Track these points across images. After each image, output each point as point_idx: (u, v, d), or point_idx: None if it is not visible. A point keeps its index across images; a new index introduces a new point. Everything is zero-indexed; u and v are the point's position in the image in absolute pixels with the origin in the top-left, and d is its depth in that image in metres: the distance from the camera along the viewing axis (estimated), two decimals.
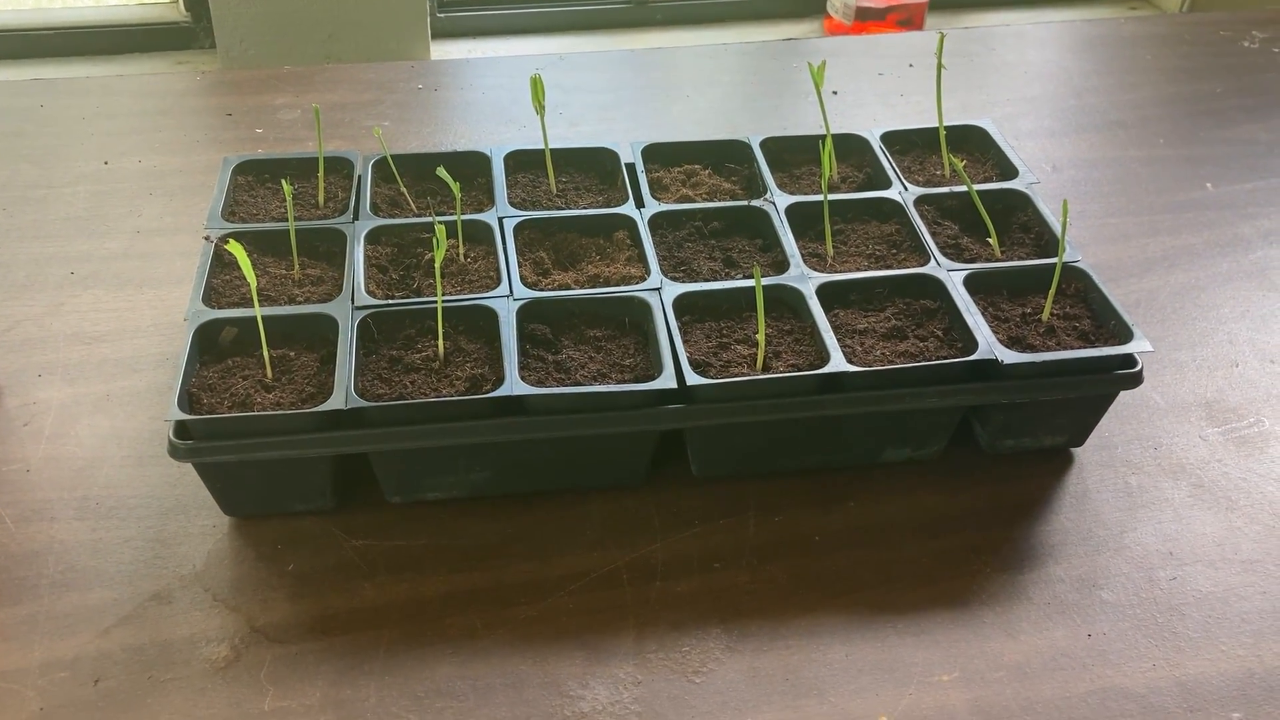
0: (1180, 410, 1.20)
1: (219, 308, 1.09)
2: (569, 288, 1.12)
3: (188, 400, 1.00)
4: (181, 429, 0.98)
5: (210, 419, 0.97)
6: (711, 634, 0.97)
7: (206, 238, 1.15)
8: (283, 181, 1.11)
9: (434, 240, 1.02)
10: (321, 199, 1.24)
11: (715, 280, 1.15)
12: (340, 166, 1.29)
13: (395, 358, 1.06)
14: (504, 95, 1.73)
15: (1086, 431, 1.13)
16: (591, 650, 0.96)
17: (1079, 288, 1.14)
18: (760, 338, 1.04)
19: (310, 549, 1.03)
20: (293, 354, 1.05)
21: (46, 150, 1.56)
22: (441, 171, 1.11)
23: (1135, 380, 1.06)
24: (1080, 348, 1.07)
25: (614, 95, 1.72)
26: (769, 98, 1.74)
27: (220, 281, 1.13)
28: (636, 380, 1.04)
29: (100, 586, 1.00)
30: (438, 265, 1.04)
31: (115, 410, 1.16)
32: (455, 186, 1.12)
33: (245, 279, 1.13)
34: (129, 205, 1.45)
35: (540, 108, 1.22)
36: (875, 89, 1.74)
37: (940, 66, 1.26)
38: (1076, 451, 1.14)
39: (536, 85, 1.21)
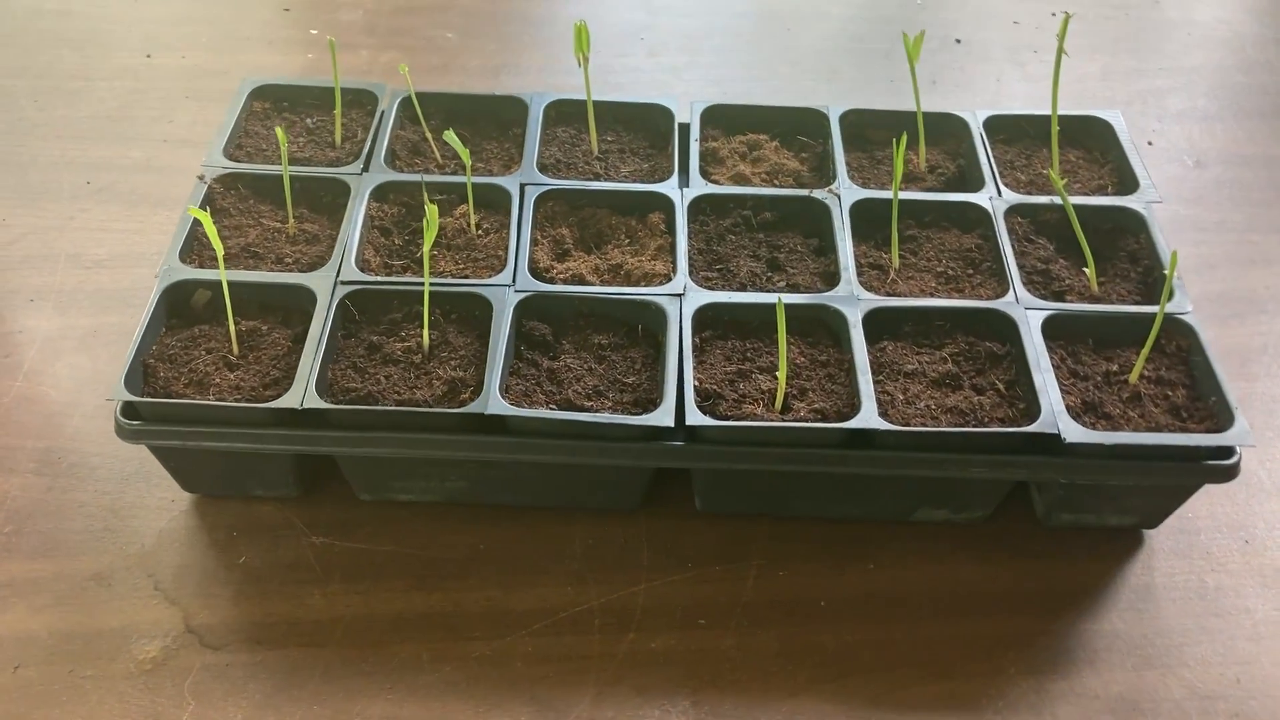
0: None
1: (201, 264, 0.99)
2: (583, 280, 0.99)
3: (142, 373, 0.91)
4: (130, 406, 0.89)
5: (156, 403, 0.88)
6: (679, 706, 0.86)
7: (201, 177, 1.05)
8: (277, 130, 0.99)
9: (425, 221, 0.90)
10: (339, 138, 1.12)
11: (754, 285, 1.00)
12: (366, 100, 1.16)
13: (375, 344, 0.95)
14: (587, 11, 1.56)
15: (1162, 515, 0.96)
16: (540, 707, 0.86)
17: (1182, 346, 0.95)
18: (781, 376, 0.90)
19: (267, 541, 0.95)
20: (265, 327, 0.95)
21: (91, 35, 1.47)
22: (451, 136, 0.97)
23: (1227, 475, 0.89)
24: (1167, 427, 0.90)
25: (705, 21, 1.54)
26: (881, 40, 1.53)
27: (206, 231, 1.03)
28: (636, 403, 0.91)
29: (43, 556, 0.93)
30: (426, 249, 0.91)
31: (99, 349, 1.09)
32: (465, 154, 0.98)
33: (239, 225, 1.04)
34: (162, 108, 1.36)
35: (584, 59, 1.07)
36: (1007, 40, 1.52)
37: (1061, 51, 1.05)
38: (1149, 533, 0.98)
39: (581, 34, 1.05)
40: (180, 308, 0.97)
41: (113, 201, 1.24)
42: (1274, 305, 1.18)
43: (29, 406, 1.04)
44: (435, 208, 0.90)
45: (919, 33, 1.06)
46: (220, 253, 0.91)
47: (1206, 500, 0.99)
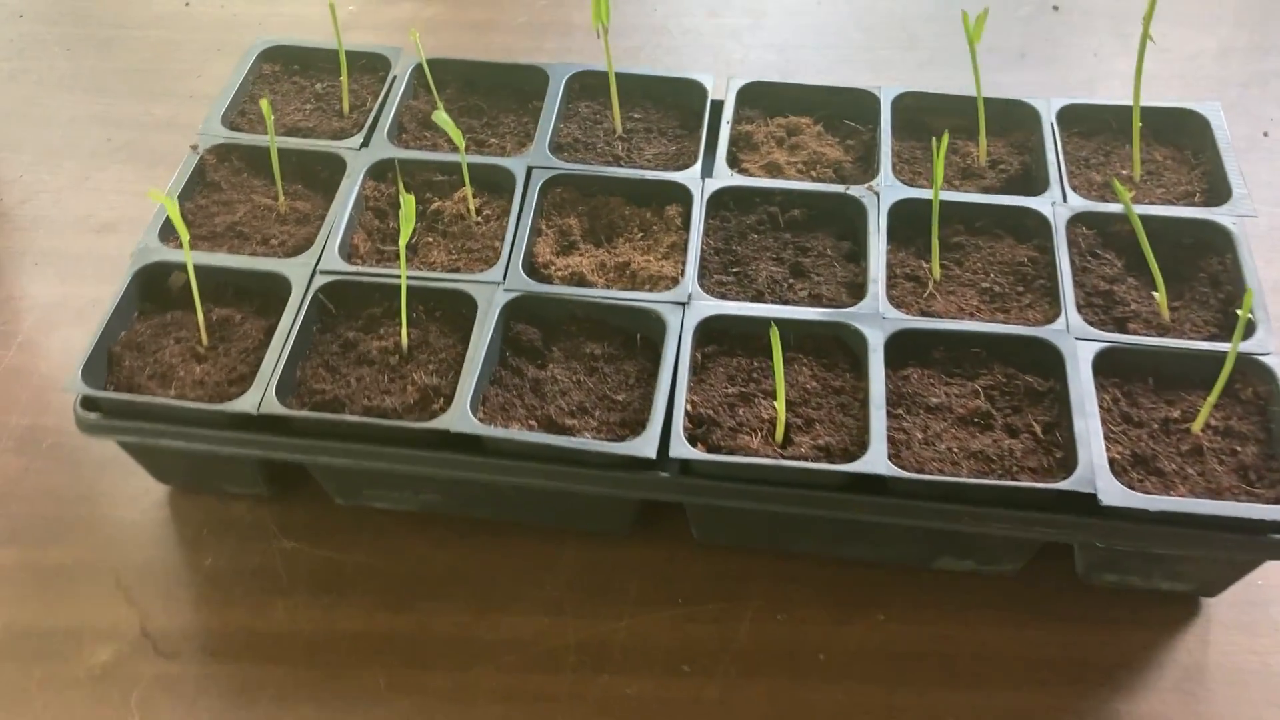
0: None
1: (181, 243, 0.93)
2: (583, 279, 0.90)
3: (107, 362, 0.86)
4: (90, 399, 0.85)
5: (113, 399, 0.83)
6: None
7: (194, 147, 0.99)
8: (262, 102, 0.92)
9: (401, 214, 0.82)
10: (346, 106, 1.05)
11: (772, 293, 0.90)
12: (379, 66, 1.08)
13: (351, 341, 0.88)
14: None
15: (1223, 584, 0.83)
16: None
17: (1260, 394, 0.82)
18: (779, 406, 0.80)
19: (235, 541, 0.90)
20: (239, 316, 0.89)
21: None
22: (441, 116, 0.89)
23: None
24: (1229, 490, 0.77)
25: None
26: (968, 2, 1.37)
27: (195, 206, 0.97)
28: (624, 423, 0.83)
29: (10, 543, 0.90)
30: (402, 244, 0.84)
31: (96, 322, 1.04)
32: (458, 135, 0.90)
33: (229, 201, 0.98)
34: (194, 61, 1.30)
35: (603, 29, 0.97)
36: (1111, 8, 1.35)
37: (1146, 37, 0.91)
38: (1207, 600, 0.85)
39: (599, 2, 0.95)
40: (155, 290, 0.91)
41: (130, 161, 1.19)
42: None
43: (19, 379, 1.01)
44: (411, 199, 0.82)
45: (981, 11, 0.93)
46: (185, 238, 0.85)
47: None
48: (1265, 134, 1.19)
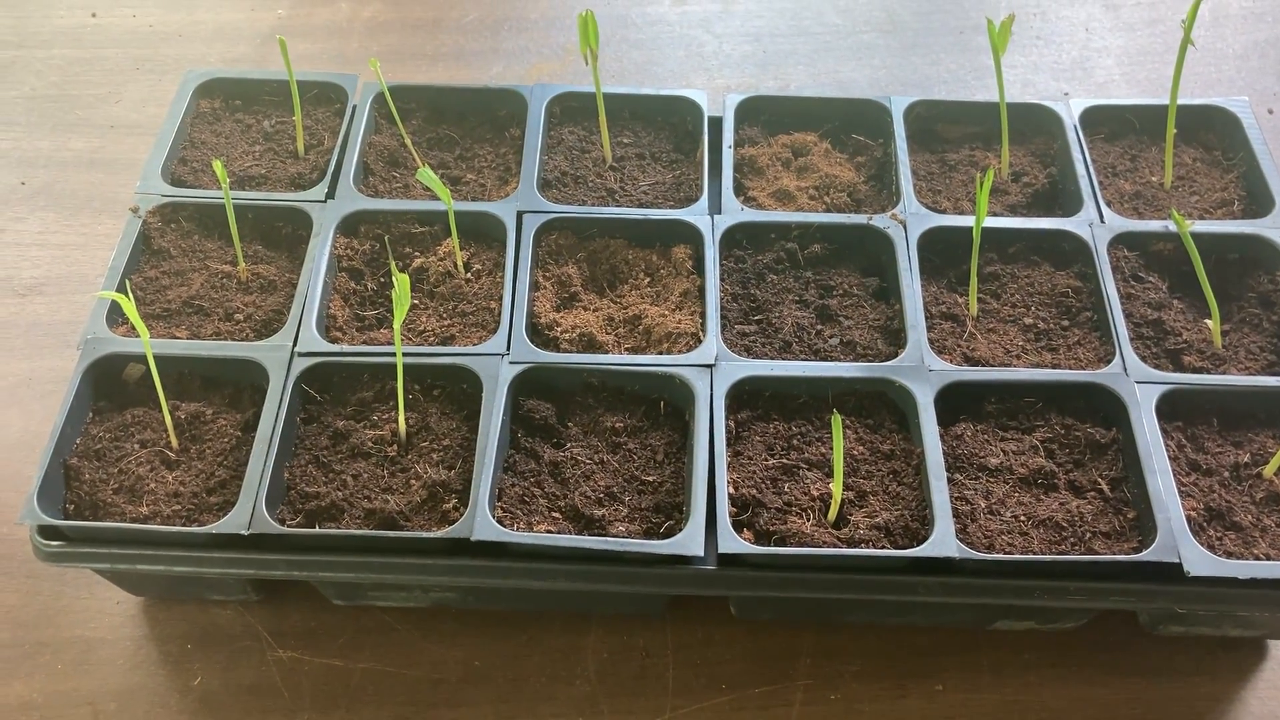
0: None
1: (133, 327, 0.82)
2: (593, 340, 0.81)
3: (63, 475, 0.76)
4: (50, 526, 0.74)
5: (79, 527, 0.73)
6: None
7: (134, 210, 0.87)
8: (215, 164, 0.81)
9: (394, 293, 0.72)
10: (301, 146, 0.94)
11: (800, 342, 0.82)
12: (334, 95, 0.97)
13: (341, 432, 0.78)
14: None
15: None
16: None
17: None
18: (836, 489, 0.73)
19: (225, 654, 0.81)
20: (209, 411, 0.79)
21: None
22: (425, 174, 0.79)
23: None
24: None
25: None
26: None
27: (144, 279, 0.86)
28: (658, 508, 0.75)
29: None
30: (397, 326, 0.74)
31: (34, 403, 0.93)
32: (445, 194, 0.80)
33: (181, 270, 0.87)
34: (109, 84, 1.17)
35: (592, 55, 0.87)
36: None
37: (1187, 41, 0.84)
38: (1274, 643, 0.81)
39: (587, 25, 0.85)
40: (110, 386, 0.80)
41: (50, 208, 1.06)
42: None
43: None
44: (406, 279, 0.72)
45: (1006, 17, 0.85)
46: (145, 336, 0.74)
47: None
48: (1270, 111, 1.14)
